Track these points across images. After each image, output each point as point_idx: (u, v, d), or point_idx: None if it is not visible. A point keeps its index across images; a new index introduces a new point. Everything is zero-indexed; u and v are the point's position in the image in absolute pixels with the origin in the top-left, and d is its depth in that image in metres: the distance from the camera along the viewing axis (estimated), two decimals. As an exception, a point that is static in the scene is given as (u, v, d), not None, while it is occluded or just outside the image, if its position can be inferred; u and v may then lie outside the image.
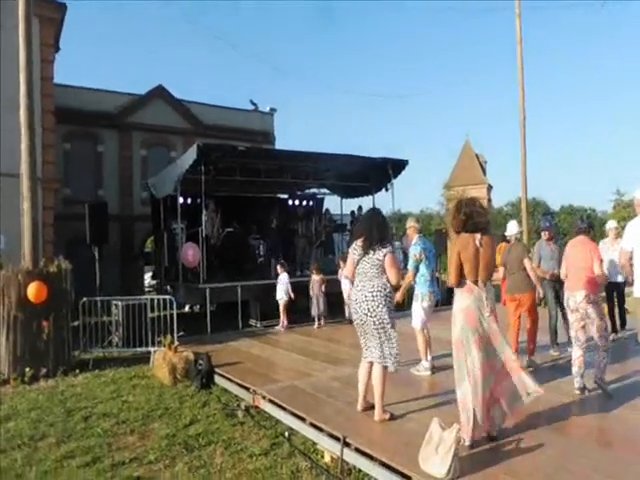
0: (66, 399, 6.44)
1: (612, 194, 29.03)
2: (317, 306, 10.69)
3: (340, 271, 11.00)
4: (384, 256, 4.59)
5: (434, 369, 6.39)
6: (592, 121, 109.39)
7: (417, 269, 6.42)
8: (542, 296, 6.65)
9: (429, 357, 6.47)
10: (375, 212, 5.08)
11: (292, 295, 10.54)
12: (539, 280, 6.43)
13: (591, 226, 5.69)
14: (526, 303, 6.35)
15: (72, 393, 6.71)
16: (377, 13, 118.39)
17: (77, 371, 7.72)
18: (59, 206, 14.78)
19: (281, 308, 10.58)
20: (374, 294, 4.58)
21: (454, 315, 4.11)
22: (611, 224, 8.57)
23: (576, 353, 5.29)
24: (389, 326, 4.58)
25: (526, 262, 6.28)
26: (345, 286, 10.84)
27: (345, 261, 11.05)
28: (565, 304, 5.50)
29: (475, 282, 4.04)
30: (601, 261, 5.35)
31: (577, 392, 5.21)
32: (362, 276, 4.70)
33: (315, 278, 10.75)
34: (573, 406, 4.93)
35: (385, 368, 4.62)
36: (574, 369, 5.29)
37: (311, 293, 10.75)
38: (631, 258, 5.04)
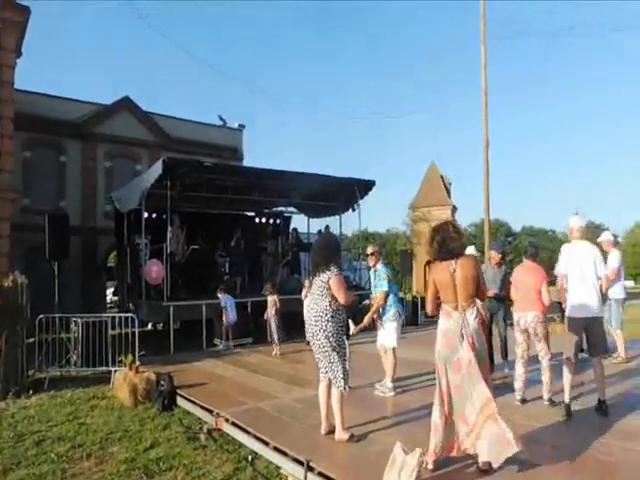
0: (17, 422, 6.17)
1: (572, 215, 30.04)
2: (270, 330, 9.92)
3: (304, 291, 10.98)
4: (328, 279, 4.65)
5: (397, 390, 6.42)
6: (553, 144, 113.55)
7: (391, 289, 6.47)
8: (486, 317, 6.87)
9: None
10: (329, 235, 5.25)
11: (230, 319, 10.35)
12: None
13: (537, 252, 6.14)
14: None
15: (24, 415, 6.44)
16: (348, 39, 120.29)
17: (31, 392, 7.43)
18: (17, 216, 14.31)
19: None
20: (317, 317, 4.67)
21: (438, 334, 4.15)
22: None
23: (520, 370, 5.74)
24: (330, 349, 4.62)
25: None
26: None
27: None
28: (515, 323, 5.82)
29: (455, 307, 4.04)
30: (548, 284, 5.79)
31: (518, 403, 5.67)
32: (311, 297, 4.84)
33: (269, 299, 10.03)
34: (532, 425, 4.97)
35: (337, 388, 4.67)
36: (517, 384, 5.75)
37: (265, 316, 10.09)
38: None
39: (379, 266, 6.59)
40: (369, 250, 6.73)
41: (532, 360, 5.85)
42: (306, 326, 4.82)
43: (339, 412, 4.67)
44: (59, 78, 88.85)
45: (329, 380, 4.74)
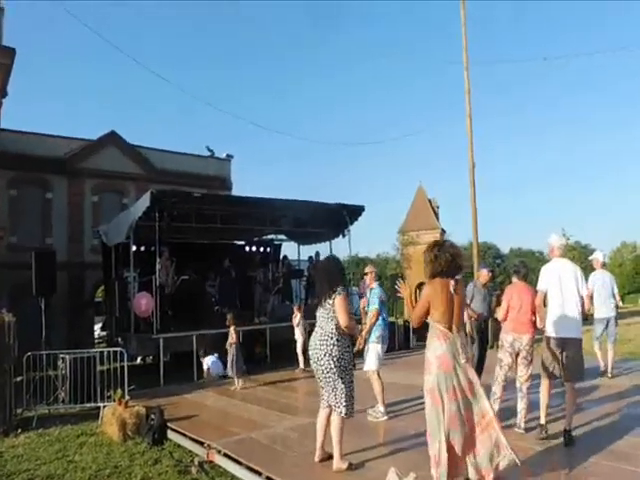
0: (6, 462, 6.04)
1: (551, 234, 30.30)
2: (231, 364, 9.16)
3: (294, 319, 10.95)
4: (333, 300, 4.60)
5: (389, 414, 6.38)
6: (539, 165, 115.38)
7: (381, 311, 6.51)
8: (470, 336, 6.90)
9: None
10: (328, 259, 5.27)
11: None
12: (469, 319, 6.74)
13: (528, 272, 6.04)
14: None
15: (13, 454, 6.29)
16: (333, 64, 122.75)
17: (19, 430, 7.27)
18: (4, 254, 14.23)
19: None
20: (321, 342, 4.60)
21: (428, 361, 3.93)
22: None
23: (499, 391, 5.68)
24: (335, 375, 4.53)
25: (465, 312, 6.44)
26: (298, 335, 10.81)
27: (300, 310, 11.06)
28: (507, 345, 5.59)
29: (449, 328, 3.92)
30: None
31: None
32: (317, 321, 4.77)
33: (230, 330, 9.32)
34: (517, 446, 4.97)
35: (341, 417, 4.56)
36: (496, 406, 5.44)
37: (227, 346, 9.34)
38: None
39: (374, 285, 6.69)
40: (367, 269, 6.87)
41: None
42: (311, 351, 4.71)
43: (338, 440, 4.57)
44: (43, 115, 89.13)
45: (330, 407, 4.63)
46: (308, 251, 15.94)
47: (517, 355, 5.57)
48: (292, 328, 10.88)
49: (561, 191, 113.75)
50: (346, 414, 4.52)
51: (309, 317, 11.11)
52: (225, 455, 5.39)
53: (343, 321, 4.55)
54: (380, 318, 6.49)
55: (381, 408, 6.38)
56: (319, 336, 4.63)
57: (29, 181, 18.39)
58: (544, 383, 5.23)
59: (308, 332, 11.08)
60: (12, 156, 15.78)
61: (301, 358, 10.70)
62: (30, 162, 17.82)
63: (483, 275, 7.45)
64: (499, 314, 5.79)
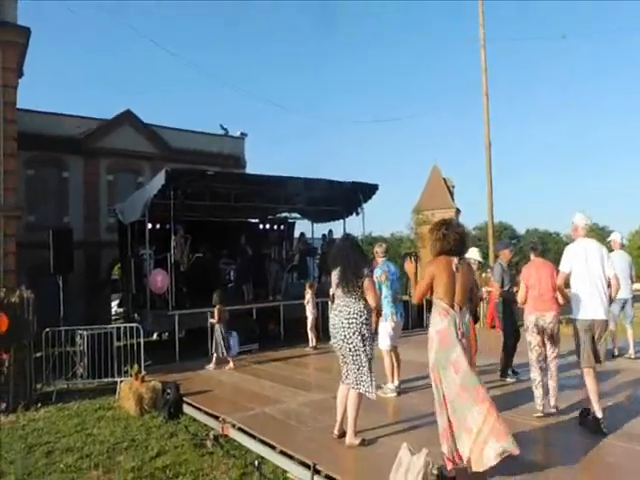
0: (27, 434, 6.20)
1: (576, 213, 29.81)
2: (215, 344, 8.95)
3: (307, 296, 11.00)
4: (362, 281, 4.65)
5: (402, 392, 6.41)
6: (556, 146, 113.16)
7: (380, 291, 6.41)
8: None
9: (397, 379, 6.52)
10: (344, 241, 5.18)
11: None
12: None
13: (545, 248, 5.88)
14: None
15: (34, 428, 6.46)
16: (349, 40, 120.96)
17: (39, 405, 7.45)
18: (22, 233, 14.41)
19: None
20: (350, 321, 4.60)
21: (430, 338, 3.98)
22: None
23: (538, 375, 5.35)
24: (363, 354, 4.57)
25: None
26: (309, 313, 10.85)
27: (312, 287, 11.10)
28: (531, 326, 5.39)
29: (451, 305, 3.93)
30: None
31: (541, 415, 5.25)
32: (340, 300, 4.74)
33: (215, 309, 9.13)
34: (540, 433, 4.93)
35: (359, 394, 4.59)
36: (538, 391, 5.33)
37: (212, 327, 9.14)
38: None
39: (380, 262, 6.71)
40: (376, 249, 6.88)
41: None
42: (332, 330, 4.73)
43: (353, 416, 4.62)
44: (59, 94, 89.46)
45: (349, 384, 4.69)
46: (322, 229, 15.92)
47: (543, 333, 5.38)
48: (304, 307, 10.95)
49: (579, 173, 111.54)
50: (369, 392, 4.58)
51: (321, 295, 11.20)
52: (240, 429, 5.48)
53: (373, 301, 4.66)
54: (383, 297, 6.37)
55: (390, 385, 6.45)
56: (346, 315, 4.62)
57: (46, 161, 18.53)
58: (588, 372, 4.86)
59: (322, 310, 11.20)
60: (29, 136, 15.84)
61: (311, 335, 10.78)
62: (46, 142, 17.93)
63: (505, 254, 7.23)
64: (519, 296, 5.64)
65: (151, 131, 21.01)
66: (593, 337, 4.89)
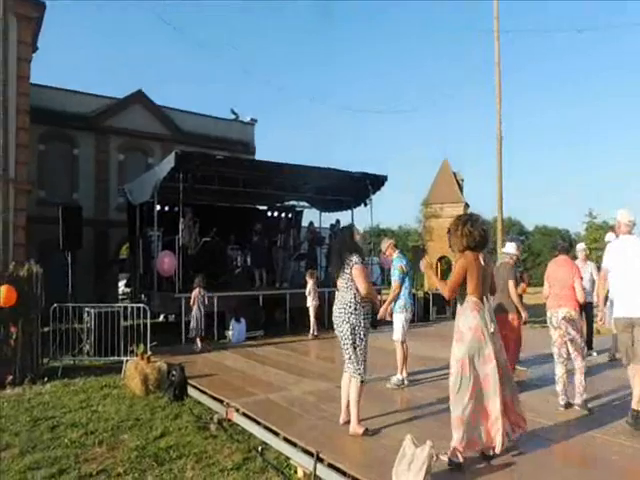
0: (33, 408, 6.28)
1: (585, 216, 29.62)
2: (195, 325, 9.52)
3: (308, 286, 11.09)
4: (351, 269, 4.66)
5: (409, 384, 6.45)
6: (567, 143, 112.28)
7: (402, 281, 6.50)
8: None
9: (405, 372, 6.56)
10: (345, 228, 5.32)
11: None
12: (520, 303, 6.45)
13: (571, 246, 5.99)
14: (508, 324, 6.30)
15: (39, 402, 6.54)
16: (360, 31, 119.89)
17: (45, 379, 7.54)
18: (32, 208, 14.48)
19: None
20: (340, 310, 4.71)
21: (460, 332, 4.02)
22: (580, 246, 8.87)
23: (560, 370, 5.48)
24: (351, 342, 4.63)
25: (510, 284, 6.29)
26: (309, 301, 10.93)
27: (312, 276, 11.23)
28: (549, 322, 5.61)
29: (481, 299, 4.04)
30: (581, 279, 5.63)
31: (562, 409, 5.34)
32: (338, 290, 4.83)
33: (195, 293, 9.65)
34: (555, 426, 4.93)
35: (360, 382, 4.67)
36: (558, 387, 5.45)
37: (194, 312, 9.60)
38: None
39: (395, 255, 6.71)
40: (383, 246, 6.89)
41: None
42: (333, 318, 4.83)
43: (355, 405, 4.69)
44: (72, 71, 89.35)
45: None
46: (330, 219, 15.91)
47: (560, 330, 5.45)
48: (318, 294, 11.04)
49: (590, 168, 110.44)
50: (360, 380, 4.65)
51: (329, 285, 11.20)
52: (244, 414, 5.51)
53: (362, 289, 4.60)
54: (402, 288, 6.51)
55: (399, 376, 6.48)
56: (339, 305, 4.73)
57: (57, 137, 18.54)
58: (635, 368, 4.81)
59: (328, 299, 11.25)
60: (41, 111, 15.87)
61: (313, 323, 10.92)
62: (59, 118, 17.99)
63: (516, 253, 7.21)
64: (544, 294, 5.78)
65: (162, 112, 20.98)
66: (631, 334, 4.81)
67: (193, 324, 9.56)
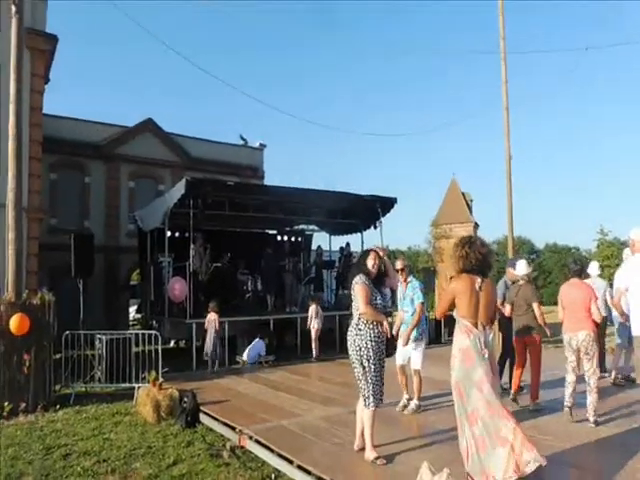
0: (45, 435, 6.26)
1: (596, 233, 29.38)
2: (211, 348, 9.84)
3: (310, 311, 11.26)
4: (353, 289, 4.65)
5: (422, 409, 6.37)
6: (577, 160, 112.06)
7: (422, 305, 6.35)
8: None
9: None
10: (362, 253, 5.23)
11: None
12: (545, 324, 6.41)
13: (583, 269, 5.99)
14: (532, 345, 6.32)
15: (52, 429, 6.52)
16: (367, 55, 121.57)
17: (58, 406, 7.53)
18: (44, 235, 14.63)
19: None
20: (349, 332, 4.71)
21: (453, 356, 4.01)
22: (594, 265, 8.73)
23: (569, 378, 5.69)
24: (359, 364, 4.57)
25: (535, 305, 6.23)
26: (312, 325, 11.15)
27: (314, 301, 11.45)
28: (566, 344, 5.71)
29: (474, 324, 3.96)
30: (596, 299, 5.67)
31: (566, 409, 5.65)
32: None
33: (210, 317, 9.95)
34: (564, 446, 4.87)
35: (367, 407, 4.59)
36: (566, 391, 5.66)
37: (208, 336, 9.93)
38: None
39: (411, 279, 6.54)
40: (398, 265, 6.50)
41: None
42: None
43: (369, 432, 4.62)
44: (82, 102, 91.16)
45: None
46: (339, 242, 15.93)
47: (579, 352, 5.60)
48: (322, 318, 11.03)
49: (600, 187, 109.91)
50: (368, 405, 4.55)
51: (341, 307, 11.21)
52: (256, 441, 5.45)
53: (361, 307, 4.54)
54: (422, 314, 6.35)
55: (417, 402, 6.38)
56: (350, 326, 4.73)
57: (69, 165, 18.82)
58: None
59: (339, 322, 11.29)
60: (53, 140, 16.16)
61: (314, 346, 11.10)
62: (70, 147, 18.29)
63: (510, 272, 7.10)
64: (559, 315, 5.84)
65: (172, 139, 21.27)
66: None
67: (209, 348, 9.73)
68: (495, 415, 3.76)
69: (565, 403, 5.72)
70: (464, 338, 3.95)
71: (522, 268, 6.77)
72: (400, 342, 6.23)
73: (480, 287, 4.00)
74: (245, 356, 10.47)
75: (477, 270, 4.04)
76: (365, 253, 5.01)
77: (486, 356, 3.90)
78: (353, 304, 4.70)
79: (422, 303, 6.32)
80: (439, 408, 6.50)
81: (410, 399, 6.46)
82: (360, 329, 4.58)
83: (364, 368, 4.56)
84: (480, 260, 4.03)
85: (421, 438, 5.33)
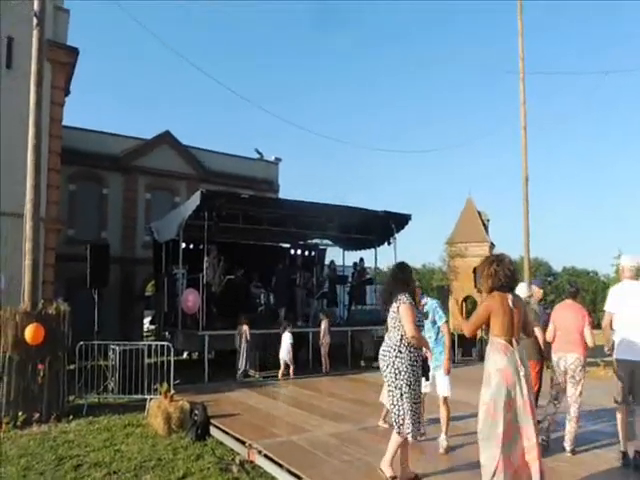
0: (58, 446, 6.29)
1: (614, 258, 28.96)
2: (242, 359, 10.46)
3: (322, 326, 11.38)
4: (397, 308, 4.40)
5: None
6: (596, 183, 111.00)
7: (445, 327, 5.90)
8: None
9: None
10: (396, 265, 4.99)
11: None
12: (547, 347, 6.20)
13: (578, 291, 5.93)
14: (532, 371, 6.17)
15: (64, 440, 6.55)
16: (387, 73, 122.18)
17: (71, 417, 7.57)
18: (62, 246, 14.84)
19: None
20: (384, 352, 4.46)
21: (488, 374, 3.91)
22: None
23: (551, 410, 5.63)
24: (397, 390, 4.33)
25: (536, 329, 5.97)
26: (322, 340, 11.34)
27: (326, 315, 11.56)
28: (555, 365, 5.63)
29: (509, 342, 3.90)
30: (590, 324, 5.57)
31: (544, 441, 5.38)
32: (386, 331, 4.61)
33: (243, 329, 10.54)
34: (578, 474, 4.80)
35: (398, 433, 4.36)
36: (544, 424, 5.47)
37: (237, 345, 10.60)
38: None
39: (428, 299, 5.97)
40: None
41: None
42: (379, 358, 4.58)
43: (391, 450, 4.41)
44: (100, 114, 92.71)
45: None
46: (353, 257, 15.91)
47: (565, 374, 5.52)
48: (333, 333, 11.04)
49: (619, 210, 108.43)
50: (402, 432, 4.31)
51: (354, 323, 11.18)
52: (266, 456, 5.44)
53: (408, 331, 4.31)
54: (440, 337, 5.85)
55: (445, 437, 5.64)
56: (385, 346, 4.50)
57: (87, 177, 19.13)
58: (619, 409, 5.09)
59: (351, 338, 11.31)
60: (72, 152, 16.44)
61: (324, 361, 11.26)
62: (88, 158, 18.59)
63: (536, 292, 7.12)
64: (548, 335, 5.77)
65: (189, 152, 21.52)
66: (631, 378, 4.96)
67: (242, 358, 10.33)
68: (516, 433, 3.78)
69: (543, 437, 5.30)
70: (501, 358, 3.87)
71: (521, 290, 6.47)
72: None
73: (514, 304, 3.97)
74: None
75: (507, 287, 4.00)
76: (404, 267, 4.79)
77: (522, 374, 3.84)
78: (392, 322, 4.44)
79: (447, 322, 5.89)
80: (458, 432, 6.09)
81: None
82: (401, 351, 4.34)
83: (402, 394, 4.31)
84: (509, 277, 4.00)
85: (439, 461, 5.21)
